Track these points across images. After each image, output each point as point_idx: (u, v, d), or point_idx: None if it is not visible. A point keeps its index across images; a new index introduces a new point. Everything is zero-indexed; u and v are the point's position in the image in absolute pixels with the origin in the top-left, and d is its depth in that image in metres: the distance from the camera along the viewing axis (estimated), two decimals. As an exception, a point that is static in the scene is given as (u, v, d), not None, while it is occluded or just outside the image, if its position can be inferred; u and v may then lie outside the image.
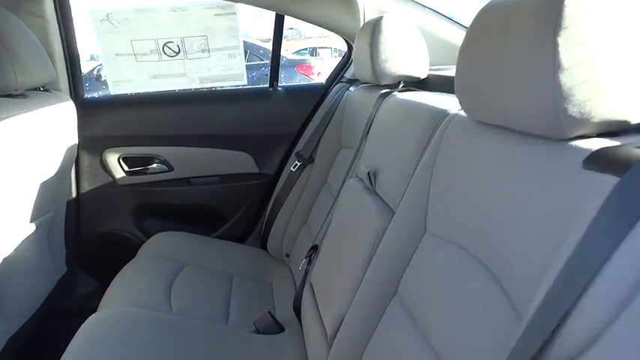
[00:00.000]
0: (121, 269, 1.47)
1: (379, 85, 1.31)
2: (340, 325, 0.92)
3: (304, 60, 6.80)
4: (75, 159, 1.65)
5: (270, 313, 1.29)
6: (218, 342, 1.18)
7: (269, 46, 1.76)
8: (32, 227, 1.36)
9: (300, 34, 9.38)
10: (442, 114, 0.85)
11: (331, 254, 1.11)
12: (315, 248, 1.26)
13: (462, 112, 0.81)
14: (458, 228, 0.73)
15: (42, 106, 1.27)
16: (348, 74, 1.74)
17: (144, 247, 1.60)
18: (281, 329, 1.27)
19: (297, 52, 7.65)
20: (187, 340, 1.14)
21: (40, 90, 1.38)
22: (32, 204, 1.34)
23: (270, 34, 1.70)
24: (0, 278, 1.21)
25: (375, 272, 0.87)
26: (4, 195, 1.20)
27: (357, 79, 1.65)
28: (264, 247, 1.75)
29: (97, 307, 1.29)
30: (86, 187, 1.71)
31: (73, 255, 1.71)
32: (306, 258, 1.26)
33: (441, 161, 0.80)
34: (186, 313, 1.27)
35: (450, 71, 1.27)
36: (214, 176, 1.80)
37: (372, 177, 1.01)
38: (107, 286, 1.38)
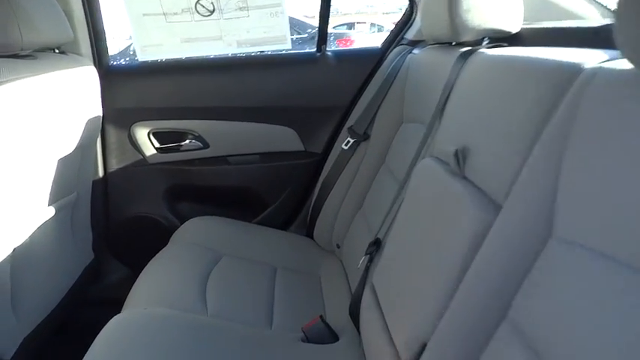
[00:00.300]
0: (152, 256, 1.31)
1: (456, 44, 1.07)
2: (421, 352, 0.71)
3: (344, 34, 6.50)
4: (100, 134, 1.48)
5: (321, 317, 1.09)
6: (261, 351, 0.99)
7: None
8: (52, 211, 1.20)
9: (337, 11, 9.17)
10: (575, 69, 0.60)
11: (403, 254, 0.89)
12: (377, 243, 1.04)
13: (609, 65, 0.56)
14: (606, 232, 0.49)
15: (55, 69, 1.09)
16: (410, 35, 1.48)
17: (177, 233, 1.43)
18: (334, 338, 1.07)
19: (335, 28, 7.40)
20: (225, 348, 0.96)
21: (54, 52, 1.19)
22: (51, 184, 1.17)
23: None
24: (15, 271, 1.06)
25: (473, 286, 0.65)
26: (17, 174, 1.03)
27: (422, 40, 1.40)
28: (310, 235, 1.55)
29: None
30: (114, 165, 1.54)
31: (100, 240, 1.56)
32: (366, 255, 1.05)
33: (578, 135, 0.55)
34: (223, 314, 1.09)
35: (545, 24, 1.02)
36: (254, 154, 1.60)
37: (460, 157, 0.78)
38: (138, 274, 1.23)
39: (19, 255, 1.05)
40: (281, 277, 1.31)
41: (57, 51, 1.19)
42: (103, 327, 0.96)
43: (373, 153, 1.36)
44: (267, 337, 1.05)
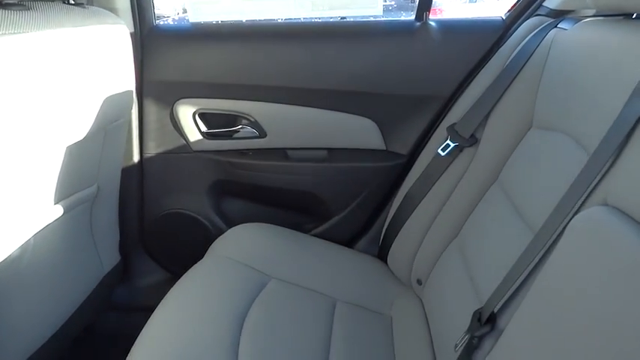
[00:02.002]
0: (191, 260, 1.08)
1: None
2: None
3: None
4: (138, 111, 1.23)
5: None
6: None
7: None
8: (60, 209, 0.96)
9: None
10: None
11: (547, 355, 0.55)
12: (491, 320, 0.69)
13: None
14: None
15: (58, 24, 0.82)
16: (553, 2, 1.08)
17: (219, 242, 1.16)
18: None
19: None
20: None
21: (66, 2, 0.91)
22: (59, 176, 0.93)
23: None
24: (5, 287, 0.83)
25: None
26: (17, 163, 0.79)
27: (572, 10, 1.00)
28: (382, 257, 1.22)
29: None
30: (151, 149, 1.28)
31: (131, 239, 1.33)
32: (467, 334, 0.71)
33: None
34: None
35: None
36: (321, 149, 1.28)
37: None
38: (176, 278, 1.00)
39: (8, 267, 0.81)
40: (341, 316, 1.01)
41: (72, 1, 0.92)
42: (129, 337, 0.84)
43: (481, 166, 1.00)
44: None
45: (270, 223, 1.23)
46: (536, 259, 0.65)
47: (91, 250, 1.12)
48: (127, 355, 0.82)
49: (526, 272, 0.66)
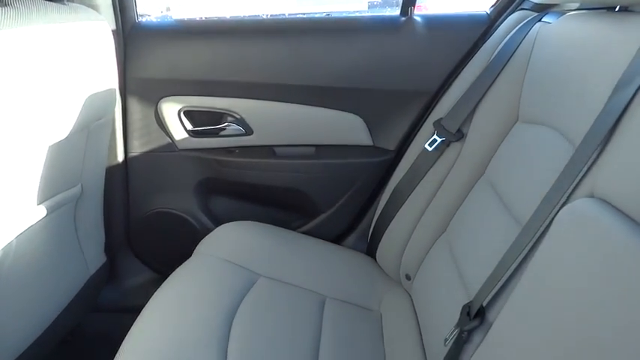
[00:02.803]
0: (178, 260, 1.07)
1: (623, 10, 0.69)
2: None
3: None
4: (122, 109, 1.21)
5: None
6: None
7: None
8: (43, 210, 0.94)
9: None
10: None
11: (539, 353, 0.55)
12: (480, 314, 0.69)
13: None
14: None
15: (37, 21, 0.80)
16: (538, -4, 1.09)
17: (206, 240, 1.15)
18: None
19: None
20: None
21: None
22: (42, 177, 0.91)
23: None
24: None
25: None
26: None
27: (556, 4, 1.01)
28: (371, 253, 1.23)
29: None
30: (136, 148, 1.27)
31: (117, 239, 1.31)
32: (456, 328, 0.71)
33: None
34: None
35: None
36: (308, 146, 1.28)
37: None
38: (163, 279, 0.99)
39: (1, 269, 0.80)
40: (330, 312, 1.01)
41: (53, -2, 0.90)
42: (116, 338, 0.83)
43: (468, 160, 1.00)
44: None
45: (258, 221, 1.22)
46: (524, 252, 0.65)
47: (76, 252, 1.11)
48: (114, 357, 0.81)
49: (514, 265, 0.66)
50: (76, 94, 0.93)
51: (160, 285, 0.98)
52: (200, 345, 0.82)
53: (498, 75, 0.99)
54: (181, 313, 0.90)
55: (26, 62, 0.78)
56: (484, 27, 1.16)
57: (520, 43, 0.97)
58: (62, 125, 0.91)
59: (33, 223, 0.91)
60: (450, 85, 1.14)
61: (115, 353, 0.82)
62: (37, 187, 0.90)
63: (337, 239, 1.31)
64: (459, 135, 1.03)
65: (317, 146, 1.27)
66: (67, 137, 0.94)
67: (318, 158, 1.27)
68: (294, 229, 1.30)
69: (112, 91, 1.05)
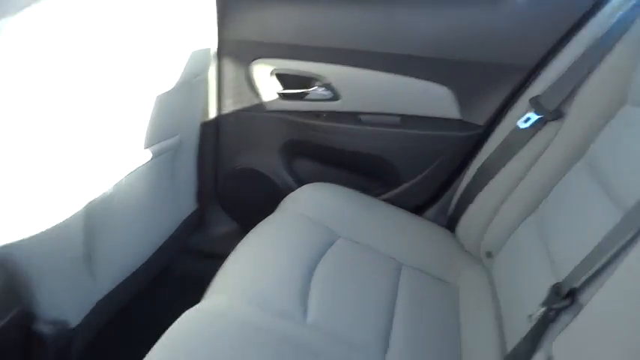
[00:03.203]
0: (261, 214, 1.11)
1: None
2: None
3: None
4: (216, 69, 1.26)
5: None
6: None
7: None
8: (148, 154, 1.02)
9: None
10: None
11: (627, 338, 0.54)
12: (571, 295, 0.68)
13: None
14: None
15: None
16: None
17: (289, 198, 1.19)
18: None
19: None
20: None
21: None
22: (148, 124, 0.98)
23: None
24: (92, 224, 0.89)
25: None
26: (105, 112, 0.85)
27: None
28: (451, 228, 1.22)
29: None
30: (228, 107, 1.32)
31: (207, 190, 1.39)
32: (543, 307, 0.70)
33: None
34: (325, 328, 0.84)
35: None
36: (394, 115, 1.27)
37: None
38: (247, 230, 1.05)
39: (94, 209, 0.88)
40: (406, 279, 1.02)
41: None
42: (203, 281, 0.89)
43: (567, 141, 0.96)
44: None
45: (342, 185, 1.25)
46: (625, 239, 0.63)
47: (171, 197, 1.19)
48: (200, 297, 0.87)
49: (613, 250, 0.64)
50: (179, 50, 0.98)
51: (244, 236, 1.04)
52: (282, 293, 0.87)
53: (608, 53, 0.93)
54: (265, 263, 0.95)
55: (132, 18, 0.84)
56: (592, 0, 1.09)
57: (635, 20, 0.91)
58: (167, 78, 0.97)
59: (139, 165, 0.99)
60: (550, 60, 1.09)
61: (201, 293, 0.88)
62: (144, 132, 0.98)
63: (417, 210, 1.32)
64: (558, 114, 0.99)
65: (403, 116, 1.27)
66: (170, 90, 1.00)
67: (404, 128, 1.26)
68: (374, 196, 1.31)
69: (209, 50, 1.10)
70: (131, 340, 0.86)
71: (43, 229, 0.78)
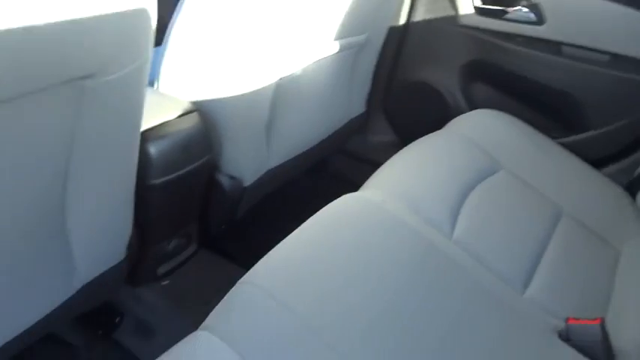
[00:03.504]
0: (424, 132, 1.11)
1: None
2: None
3: None
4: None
5: (602, 322, 0.75)
6: (500, 322, 0.73)
7: None
8: (336, 46, 1.06)
9: None
10: None
11: None
12: None
13: None
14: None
15: None
16: None
17: (459, 120, 1.17)
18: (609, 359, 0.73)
19: None
20: (447, 291, 0.74)
21: None
22: (342, 18, 1.01)
23: None
24: (275, 101, 0.98)
25: None
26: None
27: None
28: (632, 191, 1.10)
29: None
30: (420, 15, 1.29)
31: (377, 95, 1.41)
32: None
33: None
34: (470, 249, 0.85)
35: None
36: (603, 52, 1.13)
37: None
38: (406, 143, 1.07)
39: (283, 86, 0.95)
40: (565, 228, 0.97)
41: None
42: (358, 182, 0.92)
43: None
44: (512, 304, 0.78)
45: (516, 117, 1.18)
46: None
47: (345, 93, 1.24)
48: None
49: None
50: None
51: (402, 147, 1.05)
52: (435, 204, 0.89)
53: None
54: (423, 172, 0.96)
55: None
56: None
57: None
58: None
59: (326, 55, 1.04)
60: None
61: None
62: (336, 25, 1.01)
63: (595, 163, 1.20)
64: None
65: (614, 55, 1.12)
66: None
67: (611, 69, 1.12)
68: (551, 138, 1.22)
69: None
70: (287, 215, 0.96)
71: (240, 94, 0.88)
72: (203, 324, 0.62)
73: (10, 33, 0.41)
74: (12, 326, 0.67)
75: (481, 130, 1.11)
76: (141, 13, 0.52)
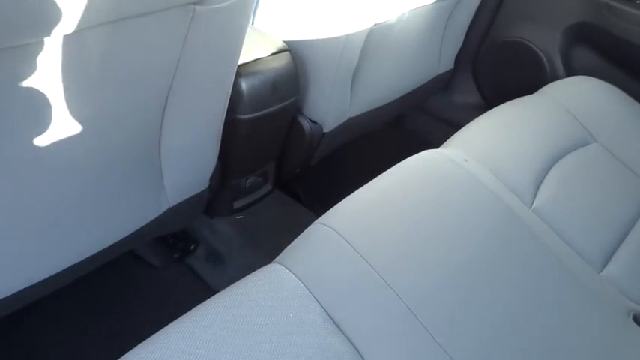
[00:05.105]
0: (513, 93, 1.09)
1: None
2: None
3: None
4: None
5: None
6: (572, 299, 0.73)
7: None
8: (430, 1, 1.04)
9: None
10: None
11: None
12: None
13: None
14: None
15: None
16: None
17: (555, 85, 1.12)
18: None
19: None
20: (521, 259, 0.74)
21: None
22: None
23: None
24: (373, 47, 0.98)
25: None
26: None
27: None
28: None
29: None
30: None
31: (466, 53, 1.37)
32: None
33: None
34: (549, 221, 0.83)
35: None
36: None
37: None
38: (489, 103, 1.04)
39: (376, 32, 0.95)
40: None
41: None
42: (436, 140, 0.92)
43: None
44: (587, 281, 0.77)
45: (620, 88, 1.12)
46: None
47: (436, 48, 1.22)
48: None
49: None
50: None
51: (485, 111, 1.02)
52: (518, 171, 0.88)
53: None
54: (509, 136, 0.95)
55: None
56: None
57: None
58: None
59: (422, 4, 1.01)
60: None
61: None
62: None
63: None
64: None
65: None
66: None
67: None
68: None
69: None
70: (360, 168, 0.98)
71: (333, 37, 0.89)
72: (277, 258, 0.66)
73: None
74: (107, 237, 0.76)
75: (577, 98, 1.06)
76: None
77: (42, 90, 0.50)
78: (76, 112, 0.55)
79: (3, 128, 0.50)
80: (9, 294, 0.65)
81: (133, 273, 1.09)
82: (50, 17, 0.43)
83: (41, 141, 0.54)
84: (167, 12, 0.53)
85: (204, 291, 0.66)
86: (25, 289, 0.67)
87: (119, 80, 0.57)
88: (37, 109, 0.51)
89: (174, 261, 1.11)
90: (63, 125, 0.55)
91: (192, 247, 1.12)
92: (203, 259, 1.12)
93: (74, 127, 0.56)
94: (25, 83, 0.48)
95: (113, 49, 0.53)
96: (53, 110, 0.53)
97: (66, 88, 0.52)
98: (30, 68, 0.47)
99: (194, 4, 0.55)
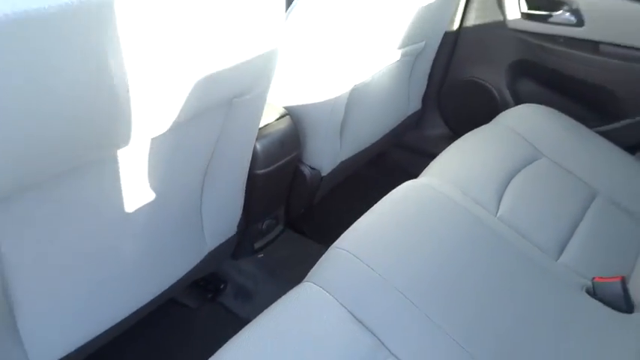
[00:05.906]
0: (475, 125, 1.31)
1: None
2: None
3: None
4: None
5: (623, 280, 0.95)
6: (536, 279, 0.94)
7: None
8: (398, 54, 1.28)
9: None
10: None
11: None
12: None
13: None
14: None
15: None
16: None
17: (506, 114, 1.36)
18: (629, 309, 0.93)
19: None
20: (499, 258, 0.95)
21: None
22: (404, 29, 1.22)
23: None
24: (350, 103, 1.21)
25: None
26: (383, 15, 1.11)
27: None
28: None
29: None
30: (471, 20, 1.50)
31: (431, 93, 1.63)
32: None
33: None
34: (512, 223, 1.05)
35: None
36: (635, 49, 1.30)
37: None
38: (458, 136, 1.26)
39: (356, 91, 1.19)
40: (597, 209, 1.14)
41: None
42: (415, 171, 1.11)
43: None
44: (547, 267, 0.98)
45: (559, 110, 1.37)
46: None
47: (404, 94, 1.47)
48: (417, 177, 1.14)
49: None
50: None
51: (454, 141, 1.25)
52: (482, 186, 1.08)
53: None
54: (472, 160, 1.16)
55: None
56: None
57: None
58: None
59: (390, 62, 1.26)
60: None
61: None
62: (400, 36, 1.23)
63: (630, 149, 1.37)
64: None
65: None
66: (428, 2, 1.22)
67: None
68: (589, 127, 1.40)
69: None
70: (354, 202, 1.19)
71: (323, 100, 1.12)
72: (305, 278, 0.84)
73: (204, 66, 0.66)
74: (161, 285, 0.93)
75: (525, 123, 1.30)
76: (272, 53, 0.77)
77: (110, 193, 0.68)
78: (137, 200, 0.73)
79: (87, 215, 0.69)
80: (75, 348, 0.77)
81: (174, 315, 1.27)
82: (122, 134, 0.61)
83: (106, 221, 0.71)
84: (217, 107, 0.75)
85: (238, 323, 0.81)
86: (88, 341, 0.79)
87: (169, 170, 0.77)
88: (108, 202, 0.70)
89: (207, 301, 1.30)
90: (126, 209, 0.73)
91: (222, 286, 1.31)
92: (232, 296, 1.31)
93: (136, 209, 0.75)
94: (96, 188, 0.65)
95: (167, 147, 0.72)
96: (120, 204, 0.71)
97: (127, 187, 0.71)
98: (101, 177, 0.64)
99: (234, 97, 0.77)
